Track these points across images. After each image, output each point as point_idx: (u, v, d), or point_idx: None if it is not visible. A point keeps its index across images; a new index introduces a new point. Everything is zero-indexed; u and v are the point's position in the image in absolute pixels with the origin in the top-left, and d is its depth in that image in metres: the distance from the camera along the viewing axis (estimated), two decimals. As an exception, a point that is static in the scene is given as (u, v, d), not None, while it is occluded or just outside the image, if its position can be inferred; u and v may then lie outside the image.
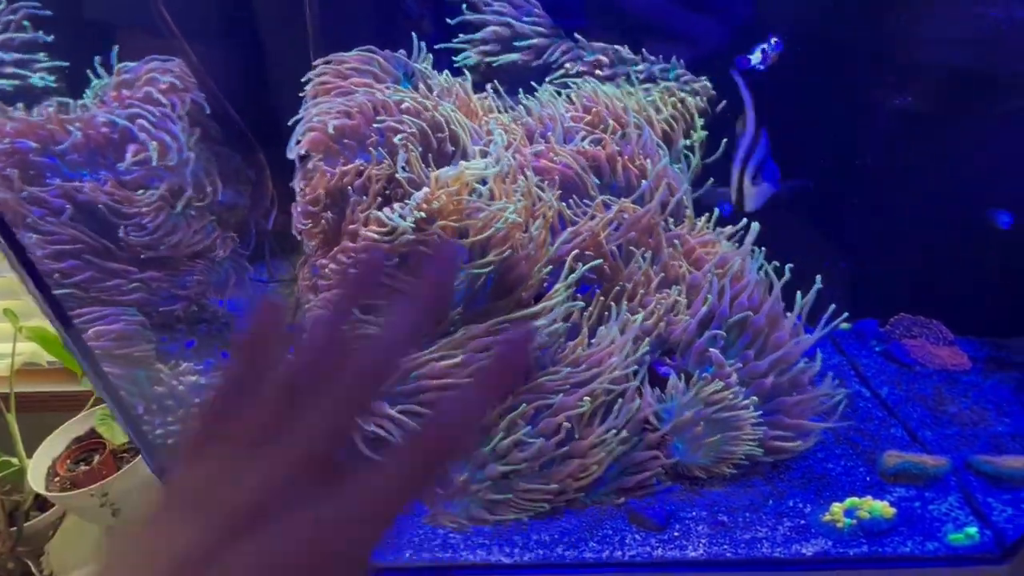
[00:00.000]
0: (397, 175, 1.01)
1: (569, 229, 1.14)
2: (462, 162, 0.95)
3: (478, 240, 1.00)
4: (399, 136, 1.04)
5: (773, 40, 1.06)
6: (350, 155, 1.09)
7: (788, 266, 1.14)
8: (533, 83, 1.37)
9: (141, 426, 1.00)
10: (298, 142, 1.09)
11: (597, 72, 1.34)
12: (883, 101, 1.31)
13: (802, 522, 1.04)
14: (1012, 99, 1.17)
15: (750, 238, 1.16)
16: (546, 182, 1.16)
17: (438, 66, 1.31)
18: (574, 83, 1.34)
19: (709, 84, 1.34)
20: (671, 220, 1.23)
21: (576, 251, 1.11)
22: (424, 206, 0.93)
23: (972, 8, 1.04)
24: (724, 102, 1.35)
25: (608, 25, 1.37)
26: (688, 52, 1.34)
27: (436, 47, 1.33)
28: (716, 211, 1.23)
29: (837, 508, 1.03)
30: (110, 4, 1.15)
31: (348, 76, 1.18)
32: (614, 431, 1.02)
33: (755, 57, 1.06)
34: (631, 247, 1.17)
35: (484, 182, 1.01)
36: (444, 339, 1.03)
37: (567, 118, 1.26)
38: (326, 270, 1.06)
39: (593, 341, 1.10)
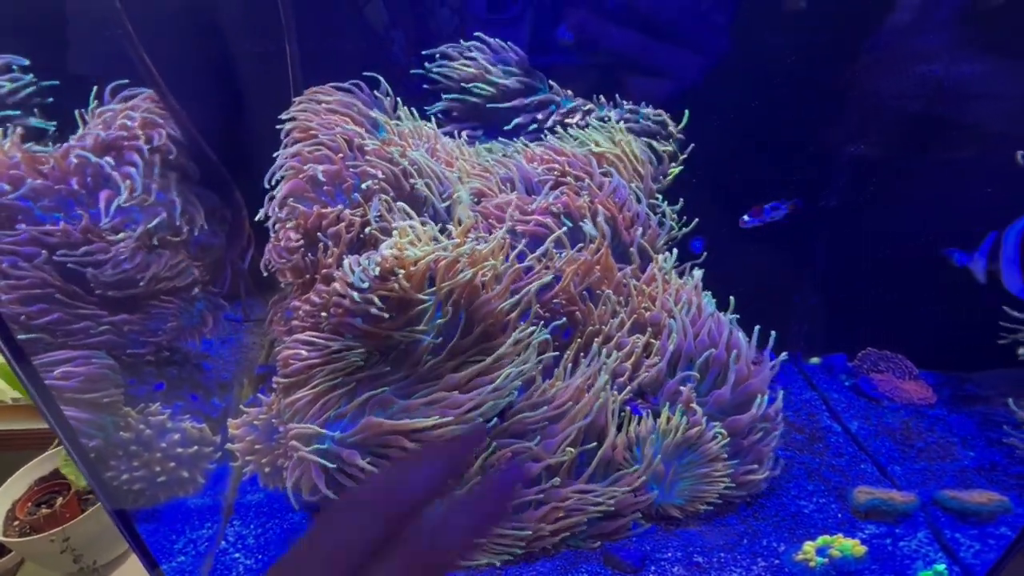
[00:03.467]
0: (370, 227, 1.03)
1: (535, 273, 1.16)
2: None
3: (445, 286, 1.01)
4: (369, 181, 1.05)
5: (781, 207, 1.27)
6: (328, 199, 1.10)
7: (735, 316, 1.19)
8: (503, 137, 1.39)
9: (97, 464, 0.96)
10: (276, 182, 1.10)
11: (568, 121, 1.37)
12: (846, 145, 1.36)
13: (776, 561, 1.05)
14: (961, 146, 1.24)
15: (698, 276, 1.23)
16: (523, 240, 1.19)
17: (423, 103, 1.33)
18: (544, 134, 1.37)
19: (676, 128, 1.39)
20: (637, 261, 1.26)
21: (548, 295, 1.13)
22: (385, 263, 0.94)
23: (916, 66, 1.11)
24: (692, 145, 1.39)
25: (587, 62, 1.40)
26: (666, 87, 1.38)
27: (413, 74, 1.35)
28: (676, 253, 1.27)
29: (809, 547, 1.04)
30: (91, 50, 1.16)
31: (327, 116, 1.20)
32: (595, 492, 1.02)
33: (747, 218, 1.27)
34: (598, 290, 1.19)
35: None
36: (419, 384, 1.03)
37: (538, 171, 1.28)
38: (299, 311, 1.05)
39: (568, 383, 1.11)
